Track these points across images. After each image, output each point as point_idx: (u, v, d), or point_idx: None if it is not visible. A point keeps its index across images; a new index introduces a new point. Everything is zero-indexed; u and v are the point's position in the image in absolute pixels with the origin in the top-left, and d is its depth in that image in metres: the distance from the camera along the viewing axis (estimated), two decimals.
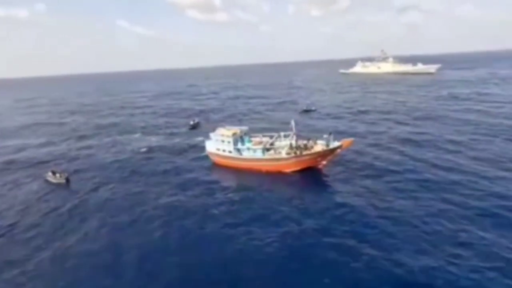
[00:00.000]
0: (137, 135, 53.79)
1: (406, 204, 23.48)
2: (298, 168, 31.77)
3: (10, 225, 24.44)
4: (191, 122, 58.69)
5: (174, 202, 26.50)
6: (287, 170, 31.89)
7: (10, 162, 41.45)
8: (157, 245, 20.43)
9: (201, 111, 74.78)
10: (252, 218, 22.79)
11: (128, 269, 18.17)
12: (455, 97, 72.47)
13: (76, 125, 67.67)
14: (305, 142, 32.44)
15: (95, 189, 30.34)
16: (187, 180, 31.32)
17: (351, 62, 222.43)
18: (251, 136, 35.52)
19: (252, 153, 33.13)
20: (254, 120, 60.26)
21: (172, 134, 53.21)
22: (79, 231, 22.84)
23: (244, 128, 36.17)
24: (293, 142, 32.19)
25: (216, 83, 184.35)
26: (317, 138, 32.83)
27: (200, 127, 57.28)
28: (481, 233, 19.21)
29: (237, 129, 35.38)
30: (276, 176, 31.29)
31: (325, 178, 30.33)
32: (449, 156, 33.07)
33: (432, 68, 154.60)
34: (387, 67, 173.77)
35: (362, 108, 65.29)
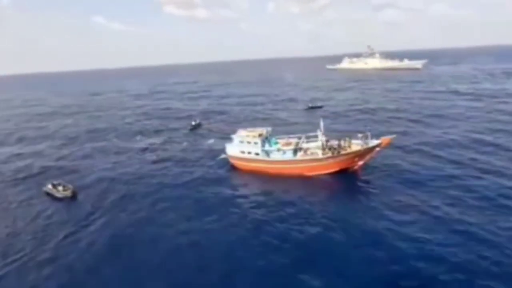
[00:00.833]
0: (137, 138, 50.02)
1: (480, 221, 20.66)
2: (335, 169, 29.75)
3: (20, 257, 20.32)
4: (193, 123, 55.80)
5: (210, 229, 22.18)
6: (323, 172, 29.70)
7: None
8: None
9: (198, 112, 70.45)
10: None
11: None
12: (454, 92, 72.93)
13: (61, 128, 61.98)
14: (336, 142, 30.32)
15: (110, 208, 26.33)
16: (214, 196, 27.40)
17: (334, 59, 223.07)
18: (277, 138, 32.91)
19: (282, 154, 30.57)
20: (258, 121, 56.56)
21: (174, 136, 49.55)
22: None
23: (269, 128, 33.76)
24: (324, 143, 29.93)
25: (204, 79, 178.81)
26: (350, 138, 30.60)
27: (201, 128, 54.48)
28: None
29: (262, 130, 32.79)
30: (311, 183, 28.75)
31: (361, 184, 28.17)
32: (485, 158, 31.73)
33: (418, 63, 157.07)
34: (374, 63, 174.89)
35: (371, 106, 63.76)
